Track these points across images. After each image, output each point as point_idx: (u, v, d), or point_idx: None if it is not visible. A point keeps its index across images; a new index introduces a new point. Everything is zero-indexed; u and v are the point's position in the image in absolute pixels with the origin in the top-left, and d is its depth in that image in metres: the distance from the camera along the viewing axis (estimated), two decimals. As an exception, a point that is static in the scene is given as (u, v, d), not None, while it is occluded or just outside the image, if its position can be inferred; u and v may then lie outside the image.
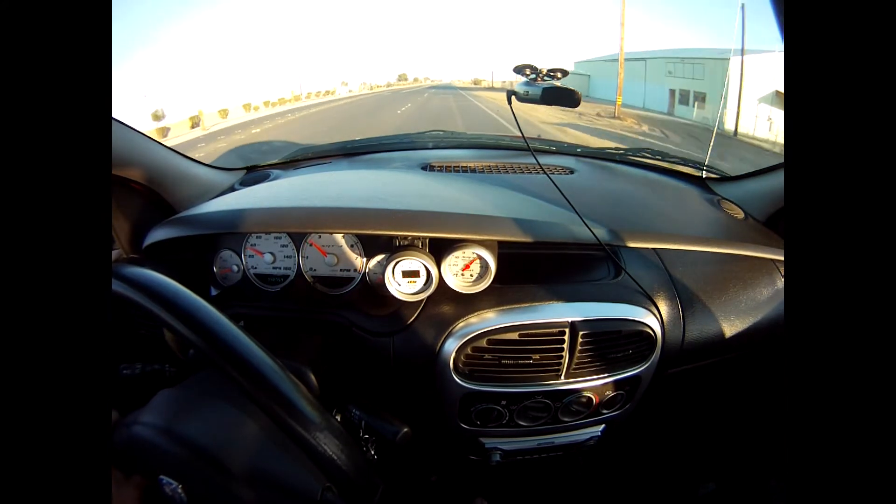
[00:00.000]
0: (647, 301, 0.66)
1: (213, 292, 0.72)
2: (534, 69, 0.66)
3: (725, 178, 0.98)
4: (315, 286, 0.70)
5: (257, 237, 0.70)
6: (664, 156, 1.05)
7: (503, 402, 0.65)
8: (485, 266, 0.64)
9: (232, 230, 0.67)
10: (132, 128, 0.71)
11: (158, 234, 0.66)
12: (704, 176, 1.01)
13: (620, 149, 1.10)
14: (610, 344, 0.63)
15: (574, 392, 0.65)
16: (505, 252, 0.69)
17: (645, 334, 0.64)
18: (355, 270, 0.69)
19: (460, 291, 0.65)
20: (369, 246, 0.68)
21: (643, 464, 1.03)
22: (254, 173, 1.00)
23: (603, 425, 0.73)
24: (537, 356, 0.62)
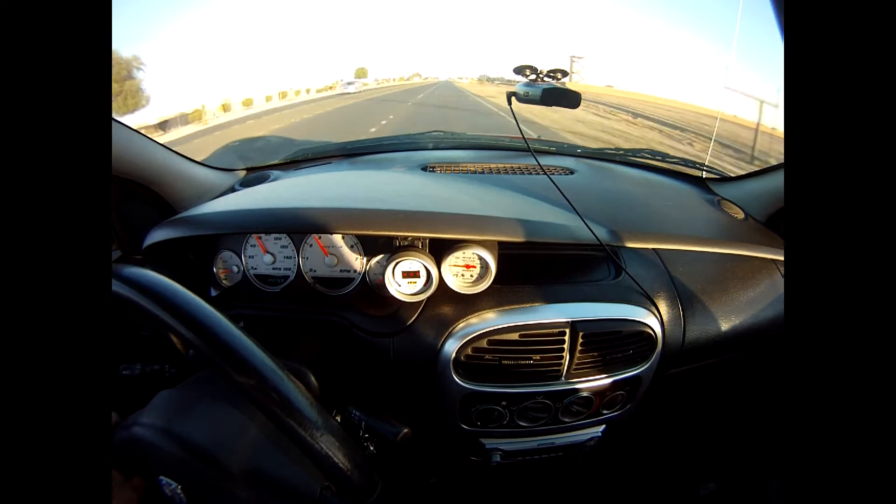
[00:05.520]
0: (647, 301, 0.65)
1: (213, 293, 0.72)
2: (534, 70, 0.66)
3: (725, 179, 0.98)
4: (315, 287, 0.70)
5: (257, 238, 0.70)
6: (664, 156, 1.06)
7: (503, 403, 0.65)
8: (485, 266, 0.64)
9: (232, 231, 0.67)
10: (132, 128, 0.71)
11: (158, 235, 0.66)
12: (704, 176, 1.01)
13: (620, 149, 1.10)
14: (610, 344, 0.63)
15: (575, 392, 0.65)
16: (505, 252, 0.69)
17: (645, 334, 0.64)
18: (355, 271, 0.69)
19: (460, 292, 0.65)
20: (369, 246, 0.68)
21: (644, 464, 1.03)
22: (254, 174, 1.00)
23: (603, 426, 0.73)
24: (538, 356, 0.62)
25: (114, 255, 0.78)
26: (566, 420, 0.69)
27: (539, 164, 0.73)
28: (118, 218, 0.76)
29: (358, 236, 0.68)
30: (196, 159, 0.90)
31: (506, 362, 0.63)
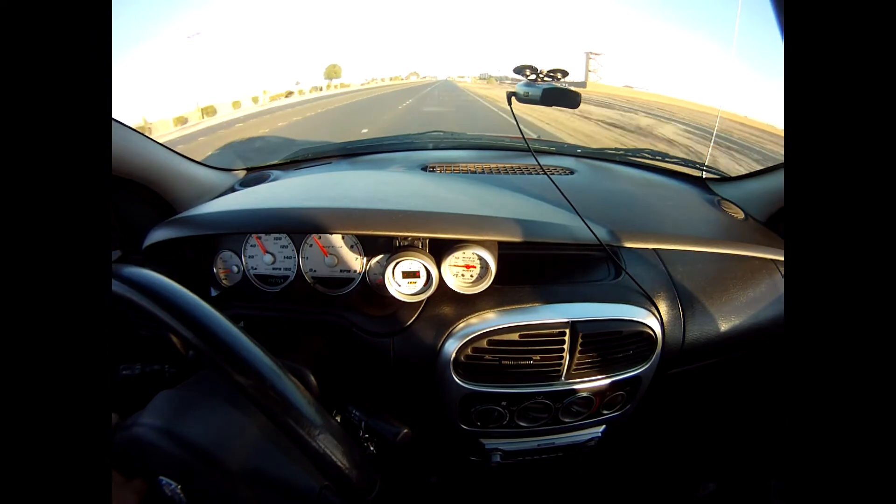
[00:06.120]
0: (647, 301, 0.65)
1: (213, 293, 0.72)
2: (534, 70, 0.66)
3: (725, 179, 0.98)
4: (315, 287, 0.70)
5: (257, 238, 0.70)
6: (664, 156, 1.06)
7: (503, 403, 0.65)
8: (485, 267, 0.64)
9: (232, 231, 0.67)
10: (132, 128, 0.71)
11: (158, 235, 0.66)
12: (704, 176, 1.01)
13: (620, 149, 1.10)
14: (610, 344, 0.63)
15: (575, 393, 0.65)
16: (505, 252, 0.69)
17: (645, 335, 0.64)
18: (355, 271, 0.69)
19: (460, 292, 0.65)
20: (369, 246, 0.68)
21: (643, 464, 1.03)
22: (254, 174, 1.00)
23: (603, 426, 0.73)
24: (538, 357, 0.62)
25: (114, 255, 0.78)
26: (566, 420, 0.69)
27: (539, 164, 0.73)
28: (118, 218, 0.76)
29: (358, 236, 0.68)
30: (196, 159, 0.90)
31: (506, 362, 0.63)
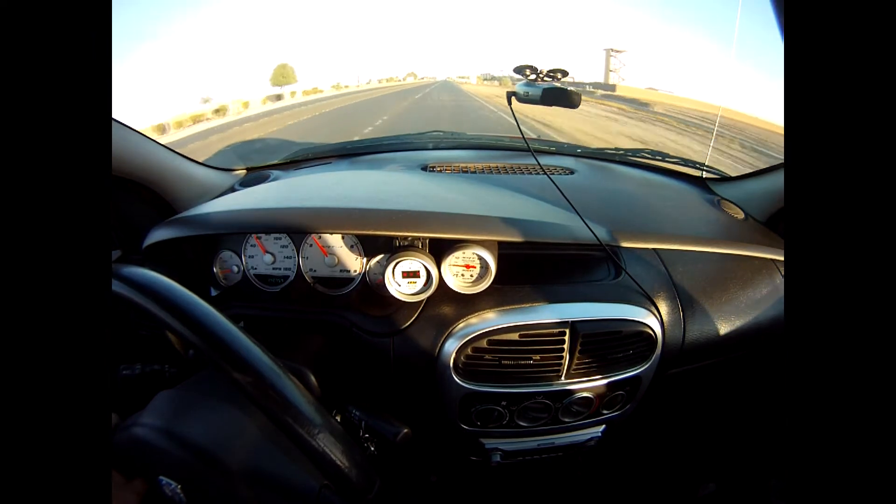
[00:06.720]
0: (647, 301, 0.65)
1: (213, 293, 0.72)
2: (534, 69, 0.66)
3: (725, 179, 0.98)
4: (315, 287, 0.70)
5: (257, 238, 0.70)
6: (664, 156, 1.06)
7: (503, 403, 0.65)
8: (485, 266, 0.64)
9: (232, 231, 0.67)
10: (132, 128, 0.71)
11: (158, 235, 0.66)
12: (704, 176, 1.01)
13: (620, 149, 1.10)
14: (610, 344, 0.63)
15: (574, 392, 0.65)
16: (505, 252, 0.69)
17: (645, 335, 0.64)
18: (355, 271, 0.69)
19: (460, 292, 0.65)
20: (369, 246, 0.68)
21: (643, 464, 1.03)
22: (254, 174, 1.00)
23: (603, 426, 0.73)
24: (538, 356, 0.62)
25: (114, 255, 0.78)
26: (566, 420, 0.69)
27: (539, 164, 0.73)
28: (118, 218, 0.76)
29: (358, 236, 0.68)
30: (196, 159, 0.90)
31: (506, 362, 0.63)
